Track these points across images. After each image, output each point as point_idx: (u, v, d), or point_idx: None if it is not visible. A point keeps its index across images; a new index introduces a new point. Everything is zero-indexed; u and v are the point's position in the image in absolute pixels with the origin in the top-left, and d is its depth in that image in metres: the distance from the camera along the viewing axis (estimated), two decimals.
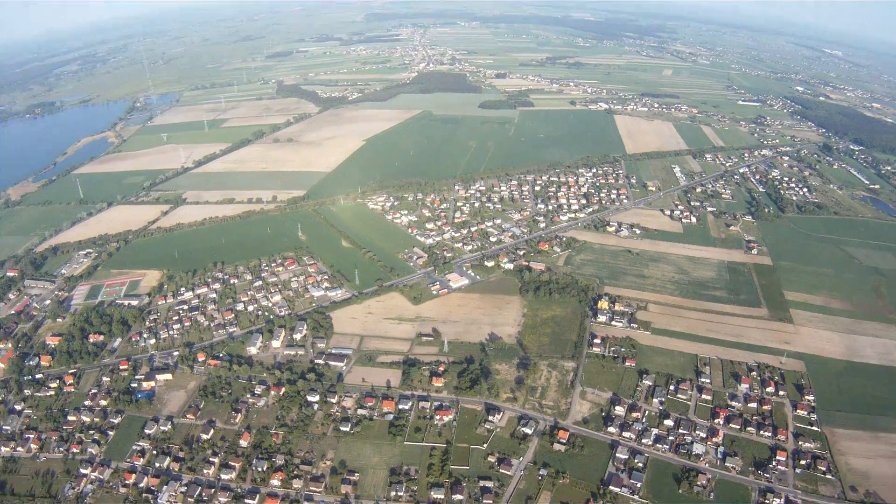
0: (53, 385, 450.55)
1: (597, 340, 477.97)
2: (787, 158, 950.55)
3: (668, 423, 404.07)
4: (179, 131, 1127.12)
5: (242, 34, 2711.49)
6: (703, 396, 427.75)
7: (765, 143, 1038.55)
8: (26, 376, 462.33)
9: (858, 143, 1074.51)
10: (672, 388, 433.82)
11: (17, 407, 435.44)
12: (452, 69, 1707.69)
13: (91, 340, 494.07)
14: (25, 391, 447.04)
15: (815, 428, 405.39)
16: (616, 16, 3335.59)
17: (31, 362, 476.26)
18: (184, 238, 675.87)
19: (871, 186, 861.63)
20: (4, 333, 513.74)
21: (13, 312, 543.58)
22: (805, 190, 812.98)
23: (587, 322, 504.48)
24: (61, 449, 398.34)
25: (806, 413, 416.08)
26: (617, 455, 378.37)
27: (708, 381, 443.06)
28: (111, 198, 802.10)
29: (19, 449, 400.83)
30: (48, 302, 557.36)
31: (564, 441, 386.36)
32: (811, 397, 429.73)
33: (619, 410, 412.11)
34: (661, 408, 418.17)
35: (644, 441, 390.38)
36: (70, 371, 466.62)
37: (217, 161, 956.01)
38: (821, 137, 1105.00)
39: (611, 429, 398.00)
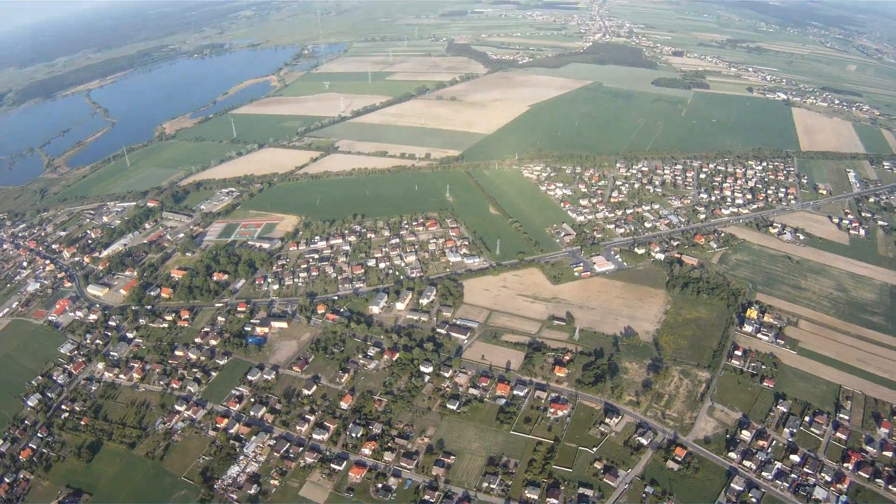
0: (168, 318, 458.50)
1: (738, 352, 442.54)
2: None
3: (795, 458, 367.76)
4: (342, 80, 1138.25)
5: None
6: (838, 434, 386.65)
7: None
8: (145, 306, 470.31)
9: None
10: (807, 419, 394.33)
11: (129, 335, 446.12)
12: (629, 42, 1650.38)
13: (214, 279, 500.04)
14: (140, 321, 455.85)
15: None
16: (802, 2, 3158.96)
17: (153, 293, 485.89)
18: (328, 186, 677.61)
19: None
20: (133, 261, 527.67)
21: (146, 242, 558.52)
22: None
23: (731, 330, 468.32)
24: (162, 382, 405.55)
25: None
26: (732, 485, 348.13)
27: (847, 418, 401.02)
28: (263, 139, 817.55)
29: (122, 377, 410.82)
30: (181, 235, 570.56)
31: (680, 459, 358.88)
32: None
33: (746, 435, 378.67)
34: (790, 439, 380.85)
35: (764, 474, 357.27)
36: (187, 306, 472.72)
37: (375, 113, 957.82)
38: None
39: (732, 454, 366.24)
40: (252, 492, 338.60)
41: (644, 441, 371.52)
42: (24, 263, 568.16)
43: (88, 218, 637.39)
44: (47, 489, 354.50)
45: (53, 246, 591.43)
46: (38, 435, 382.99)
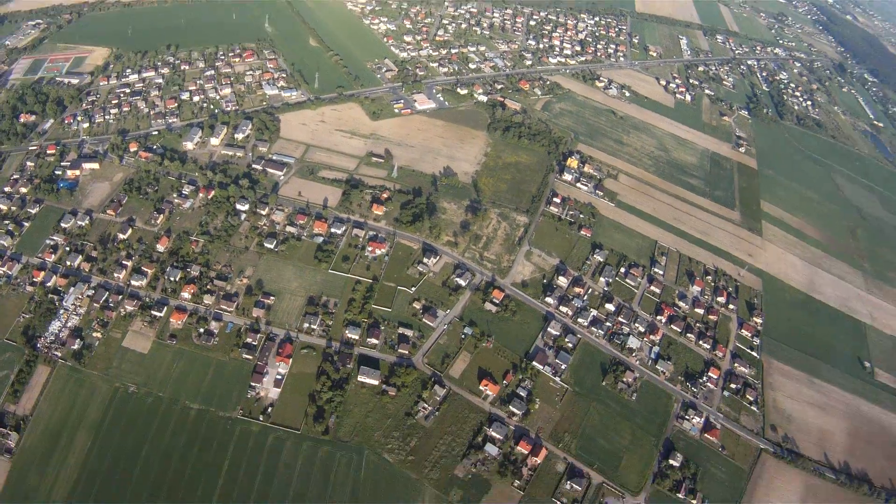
0: None
1: (556, 199, 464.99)
2: (798, 65, 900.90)
3: (610, 307, 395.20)
4: None
5: None
6: (652, 288, 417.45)
7: (780, 42, 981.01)
8: None
9: (874, 75, 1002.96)
10: (623, 270, 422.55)
11: None
12: None
13: (21, 120, 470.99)
14: None
15: (754, 353, 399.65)
16: None
17: None
18: (142, 15, 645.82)
19: (875, 123, 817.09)
20: None
21: None
22: (809, 103, 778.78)
23: (551, 177, 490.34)
24: None
25: (750, 335, 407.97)
26: (548, 329, 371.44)
27: (661, 273, 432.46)
28: None
29: None
30: None
31: (497, 302, 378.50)
32: (759, 320, 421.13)
33: (563, 281, 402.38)
34: (606, 289, 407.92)
35: (580, 321, 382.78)
36: None
37: None
38: (838, 56, 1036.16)
39: (549, 299, 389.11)
40: (76, 347, 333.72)
41: (462, 282, 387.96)
42: None
43: None
44: None
45: None
46: None
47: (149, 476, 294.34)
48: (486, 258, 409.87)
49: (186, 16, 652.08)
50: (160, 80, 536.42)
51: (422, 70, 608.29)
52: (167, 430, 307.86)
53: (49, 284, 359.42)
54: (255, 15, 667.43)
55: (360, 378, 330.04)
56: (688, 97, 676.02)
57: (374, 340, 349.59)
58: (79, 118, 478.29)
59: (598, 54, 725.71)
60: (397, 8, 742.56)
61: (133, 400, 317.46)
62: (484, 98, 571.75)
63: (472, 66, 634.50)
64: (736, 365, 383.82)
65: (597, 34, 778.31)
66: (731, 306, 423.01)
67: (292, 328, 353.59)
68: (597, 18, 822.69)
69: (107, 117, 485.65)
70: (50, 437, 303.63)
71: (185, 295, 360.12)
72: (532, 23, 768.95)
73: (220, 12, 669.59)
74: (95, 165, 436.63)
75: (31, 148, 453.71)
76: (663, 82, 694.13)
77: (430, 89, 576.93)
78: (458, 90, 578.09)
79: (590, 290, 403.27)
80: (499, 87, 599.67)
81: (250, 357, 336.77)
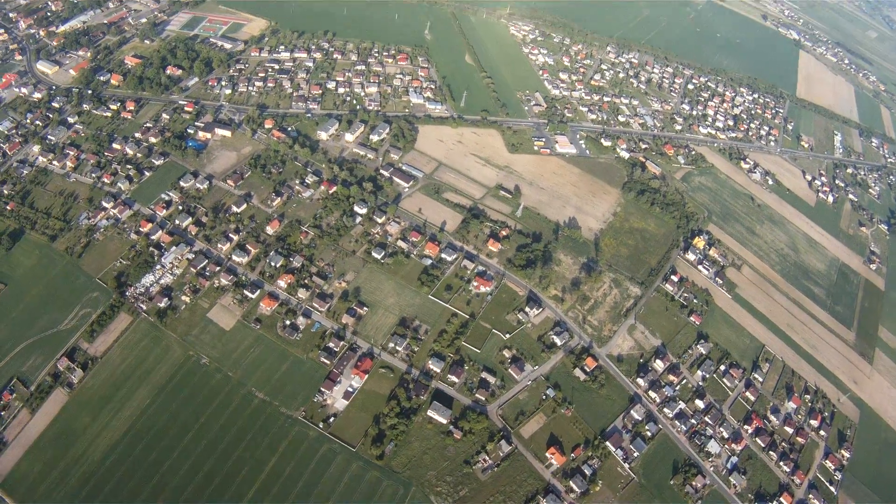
0: (113, 107, 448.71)
1: (674, 278, 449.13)
2: None
3: (700, 403, 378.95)
4: None
5: None
6: (748, 394, 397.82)
7: None
8: (92, 90, 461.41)
9: None
10: (722, 368, 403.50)
11: (70, 120, 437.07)
12: None
13: (168, 72, 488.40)
14: (84, 105, 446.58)
15: (832, 488, 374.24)
16: None
17: (102, 78, 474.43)
18: None
19: None
20: (89, 41, 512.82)
21: (105, 22, 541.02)
22: None
23: (674, 253, 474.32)
24: (94, 175, 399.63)
25: (833, 468, 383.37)
26: (631, 412, 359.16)
27: (761, 380, 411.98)
28: None
29: (55, 163, 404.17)
30: (144, 21, 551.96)
31: (588, 370, 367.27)
32: (847, 454, 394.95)
33: (659, 365, 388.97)
34: (700, 384, 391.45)
35: (665, 410, 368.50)
36: (134, 97, 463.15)
37: None
38: None
39: (640, 381, 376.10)
40: (162, 305, 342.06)
41: (558, 341, 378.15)
42: None
43: None
44: None
45: (10, 14, 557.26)
46: None
47: (194, 451, 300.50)
48: (589, 322, 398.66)
49: (350, 6, 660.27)
50: (310, 64, 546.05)
51: (570, 112, 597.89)
52: (226, 411, 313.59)
53: (153, 238, 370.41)
54: (417, 20, 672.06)
55: (430, 413, 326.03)
56: (830, 198, 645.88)
57: (455, 378, 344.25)
58: (223, 83, 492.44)
59: (750, 134, 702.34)
60: (559, 43, 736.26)
61: (202, 372, 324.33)
62: (626, 154, 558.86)
63: (621, 118, 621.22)
64: (811, 496, 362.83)
65: (752, 112, 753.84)
66: (822, 432, 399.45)
67: (377, 344, 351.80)
68: (755, 95, 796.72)
69: (250, 88, 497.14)
70: (112, 384, 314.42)
71: (282, 283, 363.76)
72: (690, 87, 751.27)
73: (384, 10, 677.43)
74: (227, 133, 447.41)
75: (174, 100, 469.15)
76: (809, 177, 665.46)
77: (574, 133, 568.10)
78: (602, 141, 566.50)
79: (684, 380, 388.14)
80: (643, 146, 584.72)
81: (328, 362, 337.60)
